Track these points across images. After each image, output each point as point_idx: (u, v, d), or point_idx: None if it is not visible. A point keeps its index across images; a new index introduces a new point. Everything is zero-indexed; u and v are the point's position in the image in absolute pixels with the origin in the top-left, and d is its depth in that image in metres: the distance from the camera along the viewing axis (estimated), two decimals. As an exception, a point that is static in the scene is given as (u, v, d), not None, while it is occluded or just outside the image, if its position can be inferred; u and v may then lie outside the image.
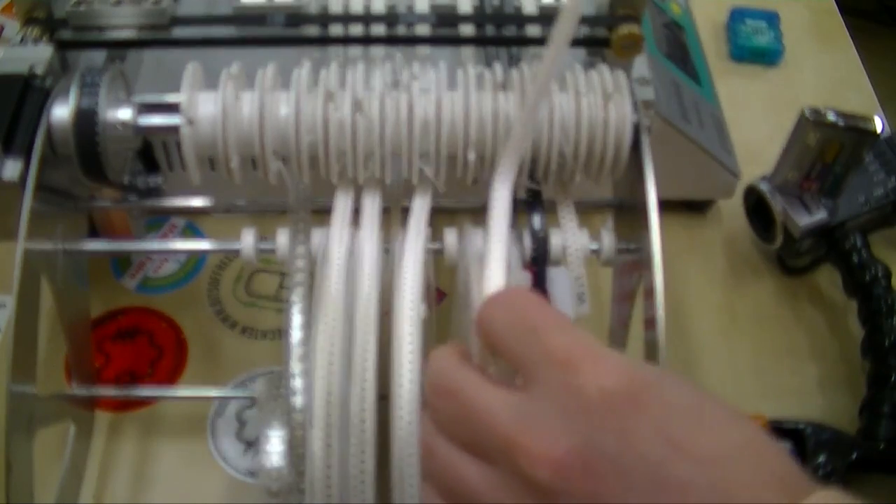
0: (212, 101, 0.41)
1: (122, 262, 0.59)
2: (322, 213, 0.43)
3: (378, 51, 0.52)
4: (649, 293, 0.41)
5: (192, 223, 0.61)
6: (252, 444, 0.50)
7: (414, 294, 0.38)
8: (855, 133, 0.51)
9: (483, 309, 0.30)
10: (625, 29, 0.49)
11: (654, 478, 0.25)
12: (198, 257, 0.59)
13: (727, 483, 0.25)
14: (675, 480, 0.25)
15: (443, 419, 0.30)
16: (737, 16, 0.75)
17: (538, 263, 0.45)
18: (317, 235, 0.42)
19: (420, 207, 0.43)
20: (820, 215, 0.56)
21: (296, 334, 0.39)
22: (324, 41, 0.52)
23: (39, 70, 0.45)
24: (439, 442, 0.29)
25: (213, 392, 0.52)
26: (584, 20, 0.52)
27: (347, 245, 0.40)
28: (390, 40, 0.51)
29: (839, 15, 0.79)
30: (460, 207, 0.60)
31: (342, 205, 0.43)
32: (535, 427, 0.27)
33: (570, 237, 0.45)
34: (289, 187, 0.43)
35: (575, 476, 0.26)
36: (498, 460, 0.28)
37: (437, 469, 0.30)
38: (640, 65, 0.54)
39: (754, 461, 0.26)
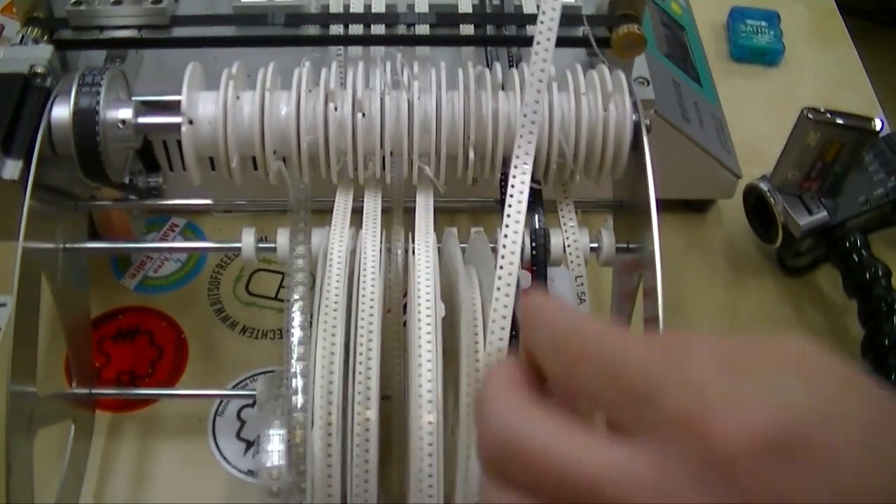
0: (212, 101, 0.41)
1: (122, 262, 0.59)
2: (322, 213, 0.43)
3: (378, 51, 0.52)
4: (649, 293, 0.41)
5: (192, 223, 0.61)
6: (252, 444, 0.50)
7: (430, 292, 0.38)
8: (855, 133, 0.51)
9: (537, 338, 0.24)
10: (625, 29, 0.49)
11: None
12: (198, 257, 0.59)
13: None
14: None
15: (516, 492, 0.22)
16: (737, 16, 0.75)
17: (538, 263, 0.45)
18: (317, 235, 0.42)
19: (425, 206, 0.43)
20: (820, 215, 0.56)
21: (296, 334, 0.39)
22: (324, 41, 0.52)
23: (39, 70, 0.45)
24: None
25: (213, 392, 0.52)
26: (584, 20, 0.52)
27: (348, 245, 0.40)
28: (390, 40, 0.51)
29: (839, 15, 0.79)
30: (460, 207, 0.60)
31: (342, 205, 0.43)
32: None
33: (570, 237, 0.45)
34: (289, 187, 0.43)
35: None
36: None
37: None
38: (640, 65, 0.54)
39: None
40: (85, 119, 0.42)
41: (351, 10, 0.53)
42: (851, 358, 0.55)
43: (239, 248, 0.45)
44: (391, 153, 0.43)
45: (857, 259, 0.55)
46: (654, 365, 0.21)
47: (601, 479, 0.21)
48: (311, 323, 0.39)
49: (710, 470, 0.20)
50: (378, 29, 0.51)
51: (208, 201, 0.57)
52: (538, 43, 0.38)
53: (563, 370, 0.23)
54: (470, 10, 0.54)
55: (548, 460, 0.22)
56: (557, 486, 0.21)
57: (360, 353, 0.37)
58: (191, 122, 0.41)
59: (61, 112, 0.42)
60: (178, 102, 0.41)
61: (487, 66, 0.51)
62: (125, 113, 0.43)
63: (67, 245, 0.45)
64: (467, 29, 0.52)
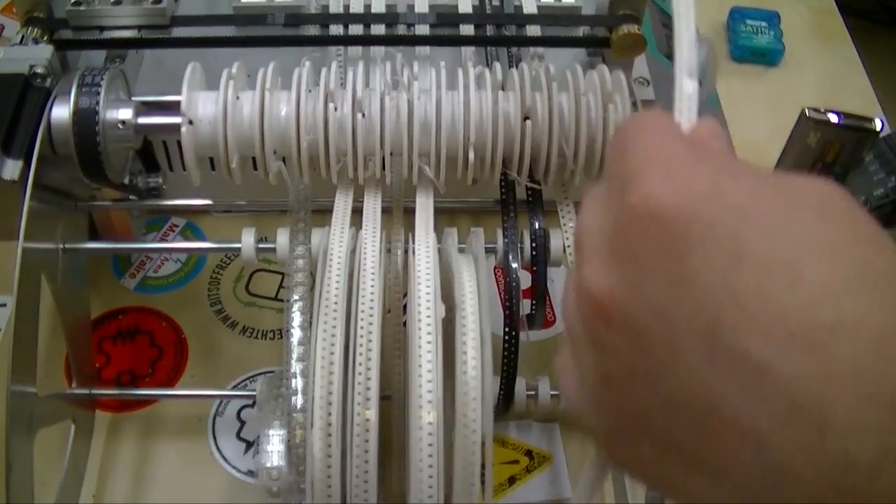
0: (212, 101, 0.41)
1: (122, 262, 0.59)
2: (322, 213, 0.43)
3: (378, 51, 0.52)
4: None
5: (192, 223, 0.61)
6: (252, 444, 0.50)
7: (430, 292, 0.38)
8: (855, 133, 0.51)
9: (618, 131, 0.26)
10: (625, 29, 0.49)
11: (708, 344, 0.19)
12: (198, 257, 0.59)
13: (832, 384, 0.18)
14: (743, 358, 0.19)
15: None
16: (737, 16, 0.75)
17: (538, 263, 0.45)
18: (317, 235, 0.42)
19: (425, 206, 0.43)
20: (820, 215, 0.56)
21: (296, 334, 0.39)
22: (324, 41, 0.52)
23: (39, 70, 0.45)
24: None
25: (212, 392, 0.52)
26: (585, 20, 0.52)
27: (348, 245, 0.40)
28: (390, 40, 0.51)
29: (839, 15, 0.79)
30: (460, 207, 0.60)
31: (342, 205, 0.43)
32: (588, 258, 0.23)
33: (571, 237, 0.45)
34: (289, 187, 0.43)
35: (616, 327, 0.22)
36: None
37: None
38: (640, 65, 0.54)
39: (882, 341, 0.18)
40: (85, 119, 0.42)
41: (351, 10, 0.53)
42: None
43: (239, 249, 0.45)
44: (391, 153, 0.43)
45: (857, 259, 0.55)
46: (641, 144, 0.23)
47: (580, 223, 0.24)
48: (310, 323, 0.39)
49: (621, 221, 0.22)
50: (378, 29, 0.51)
51: (208, 201, 0.57)
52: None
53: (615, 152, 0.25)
54: (470, 10, 0.54)
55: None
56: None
57: (360, 354, 0.37)
58: (191, 122, 0.41)
59: (61, 112, 0.42)
60: (178, 102, 0.41)
61: (487, 66, 0.51)
62: (125, 113, 0.43)
63: (67, 245, 0.45)
64: (467, 29, 0.52)
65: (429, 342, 0.36)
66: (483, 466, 0.36)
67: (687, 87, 0.26)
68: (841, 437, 0.18)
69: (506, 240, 0.45)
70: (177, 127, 0.41)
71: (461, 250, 0.43)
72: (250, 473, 0.49)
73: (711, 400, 0.20)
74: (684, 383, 0.20)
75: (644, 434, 0.22)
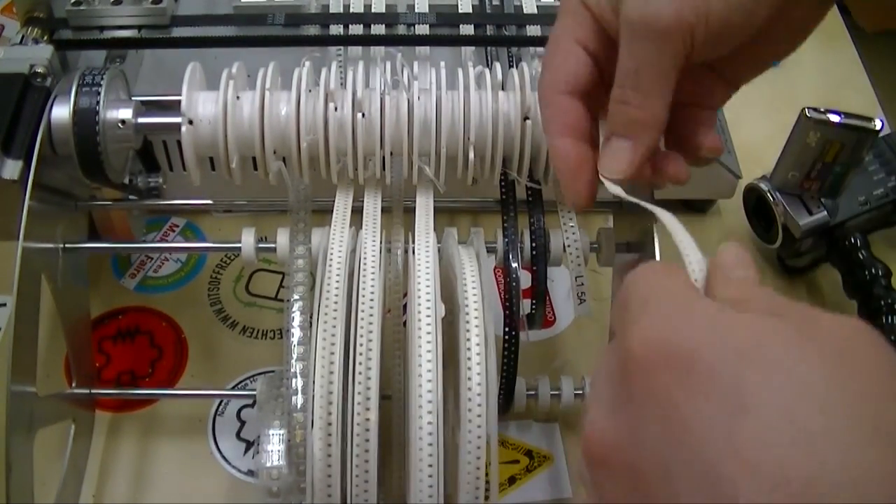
0: (212, 101, 0.41)
1: (122, 262, 0.59)
2: (322, 213, 0.43)
3: (378, 51, 0.52)
4: (649, 293, 0.41)
5: (192, 223, 0.61)
6: (252, 444, 0.50)
7: (430, 292, 0.38)
8: (855, 133, 0.51)
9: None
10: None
11: (709, 494, 0.19)
12: (198, 257, 0.59)
13: None
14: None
15: None
16: (737, 16, 0.75)
17: (538, 263, 0.45)
18: (317, 235, 0.42)
19: (425, 206, 0.43)
20: (820, 215, 0.56)
21: (296, 334, 0.39)
22: (324, 41, 0.52)
23: (39, 70, 0.45)
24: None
25: (213, 392, 0.52)
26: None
27: (348, 245, 0.40)
28: (390, 40, 0.51)
29: (839, 15, 0.79)
30: (460, 207, 0.60)
31: (342, 205, 0.43)
32: (593, 403, 0.23)
33: (570, 237, 0.45)
34: (289, 187, 0.43)
35: (616, 472, 0.22)
36: None
37: None
38: (640, 65, 0.54)
39: None
40: (85, 119, 0.42)
41: (351, 10, 0.53)
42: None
43: (239, 248, 0.45)
44: (391, 153, 0.43)
45: (857, 259, 0.55)
46: (640, 290, 0.24)
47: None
48: (310, 323, 0.39)
49: (620, 367, 0.22)
50: (378, 29, 0.51)
51: (208, 201, 0.57)
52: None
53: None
54: (470, 10, 0.54)
55: None
56: None
57: (360, 354, 0.37)
58: (191, 122, 0.41)
59: (61, 112, 0.42)
60: (178, 102, 0.41)
61: (487, 66, 0.51)
62: (125, 113, 0.43)
63: (67, 245, 0.45)
64: (467, 29, 0.52)
65: (429, 342, 0.36)
66: (488, 465, 0.36)
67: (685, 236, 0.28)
68: None
69: (506, 240, 0.45)
70: (177, 127, 0.41)
71: (461, 250, 0.43)
72: (250, 473, 0.49)
73: None
74: None
75: None
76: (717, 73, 0.35)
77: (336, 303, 0.38)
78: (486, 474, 0.36)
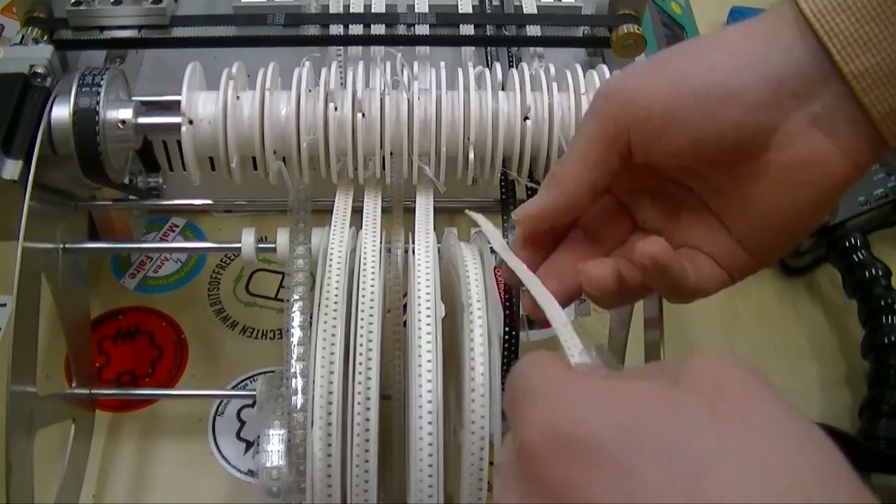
0: (212, 101, 0.41)
1: (122, 262, 0.59)
2: (322, 213, 0.43)
3: (378, 51, 0.52)
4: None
5: (192, 223, 0.61)
6: (252, 444, 0.50)
7: (430, 292, 0.38)
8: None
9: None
10: (625, 29, 0.49)
11: None
12: (198, 257, 0.59)
13: None
14: None
15: None
16: (737, 15, 0.75)
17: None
18: (317, 235, 0.42)
19: (425, 206, 0.43)
20: (820, 215, 0.56)
21: (296, 334, 0.39)
22: (324, 41, 0.52)
23: (39, 70, 0.45)
24: None
25: (213, 392, 0.52)
26: (585, 20, 0.52)
27: (348, 245, 0.40)
28: (390, 40, 0.51)
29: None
30: (460, 207, 0.60)
31: (342, 205, 0.43)
32: (499, 492, 0.25)
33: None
34: (289, 187, 0.43)
35: None
36: None
37: None
38: (641, 65, 0.54)
39: None
40: (85, 119, 0.42)
41: (351, 10, 0.53)
42: (852, 358, 0.55)
43: (239, 248, 0.45)
44: (391, 153, 0.43)
45: (857, 259, 0.55)
46: (523, 384, 0.25)
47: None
48: (311, 323, 0.39)
49: (520, 460, 0.23)
50: (378, 29, 0.51)
51: (208, 201, 0.57)
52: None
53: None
54: (470, 10, 0.54)
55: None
56: None
57: (360, 354, 0.37)
58: (191, 122, 0.41)
59: (61, 112, 0.42)
60: (178, 102, 0.41)
61: (487, 66, 0.51)
62: (125, 113, 0.43)
63: (67, 245, 0.45)
64: (467, 29, 0.52)
65: (429, 342, 0.36)
66: (491, 465, 0.36)
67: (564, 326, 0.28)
68: None
69: (506, 239, 0.45)
70: (177, 127, 0.41)
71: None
72: (250, 473, 0.49)
73: None
74: None
75: None
76: (720, 222, 0.32)
77: (336, 303, 0.38)
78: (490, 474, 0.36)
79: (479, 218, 0.37)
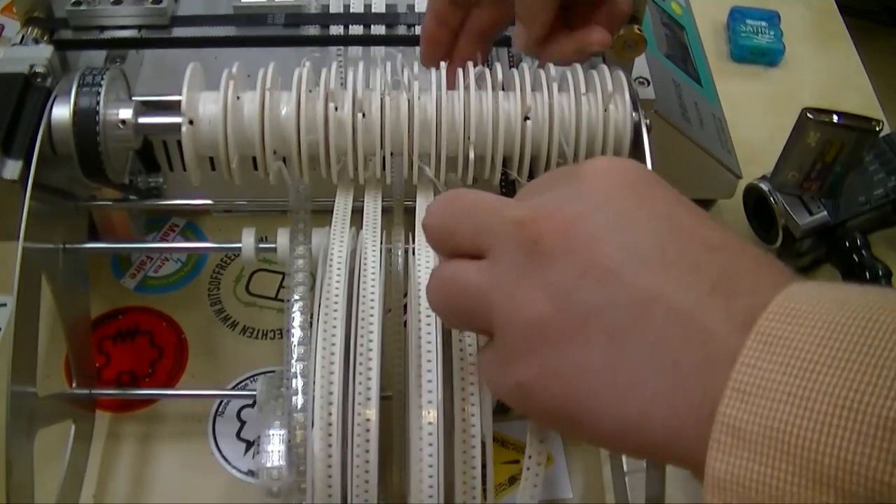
0: (212, 101, 0.41)
1: (122, 262, 0.59)
2: (322, 213, 0.43)
3: (378, 51, 0.52)
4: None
5: (192, 223, 0.61)
6: (252, 445, 0.50)
7: None
8: (855, 133, 0.51)
9: (429, 213, 0.32)
10: (625, 29, 0.49)
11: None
12: (198, 257, 0.59)
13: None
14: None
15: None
16: (737, 16, 0.75)
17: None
18: (317, 235, 0.42)
19: (425, 206, 0.43)
20: (820, 215, 0.56)
21: (296, 334, 0.39)
22: (324, 41, 0.52)
23: (39, 70, 0.45)
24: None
25: (213, 392, 0.52)
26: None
27: (348, 245, 0.40)
28: (390, 40, 0.51)
29: (839, 15, 0.79)
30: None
31: (342, 205, 0.43)
32: (504, 289, 0.28)
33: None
34: (289, 187, 0.43)
35: (550, 330, 0.27)
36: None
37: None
38: (641, 65, 0.54)
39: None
40: (85, 119, 0.42)
41: (351, 11, 0.53)
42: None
43: (239, 249, 0.45)
44: (391, 153, 0.43)
45: (857, 259, 0.55)
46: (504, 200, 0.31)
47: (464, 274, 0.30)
48: (311, 323, 0.39)
49: (530, 252, 0.28)
50: (378, 29, 0.51)
51: (208, 201, 0.57)
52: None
53: (452, 220, 0.31)
54: (470, 11, 0.54)
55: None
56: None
57: (361, 354, 0.37)
58: (191, 122, 0.41)
59: (61, 112, 0.42)
60: (178, 102, 0.41)
61: (487, 66, 0.51)
62: (125, 113, 0.43)
63: (67, 245, 0.45)
64: (467, 29, 0.52)
65: (429, 342, 0.36)
66: (484, 467, 0.36)
67: None
68: None
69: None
70: (177, 127, 0.41)
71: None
72: (250, 473, 0.49)
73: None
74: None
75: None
76: None
77: (336, 303, 0.38)
78: (484, 475, 0.36)
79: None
